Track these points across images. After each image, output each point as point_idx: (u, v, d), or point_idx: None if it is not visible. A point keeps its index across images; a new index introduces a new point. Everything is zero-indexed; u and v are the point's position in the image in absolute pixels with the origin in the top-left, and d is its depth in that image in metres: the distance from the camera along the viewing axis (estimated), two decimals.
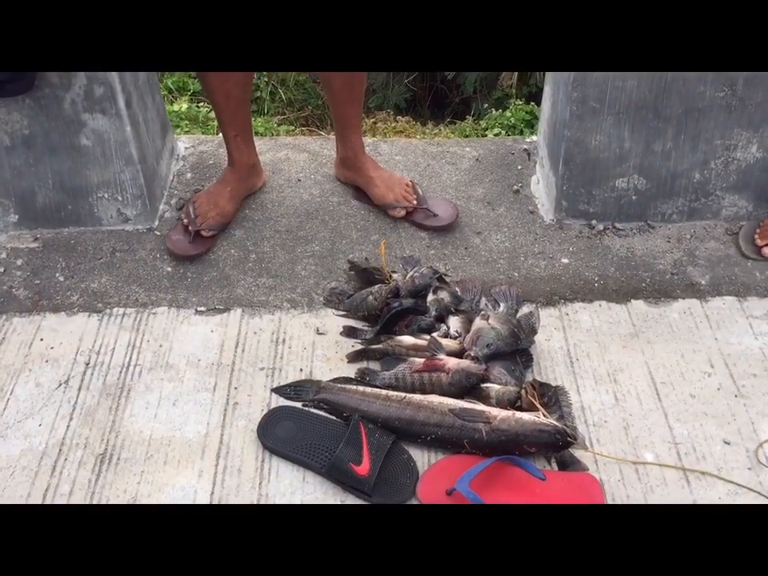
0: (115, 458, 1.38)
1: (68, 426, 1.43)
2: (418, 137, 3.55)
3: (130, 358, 1.57)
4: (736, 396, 1.47)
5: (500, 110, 4.09)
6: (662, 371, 1.52)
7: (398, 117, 4.39)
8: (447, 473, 1.33)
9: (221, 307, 1.68)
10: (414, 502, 1.31)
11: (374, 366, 1.53)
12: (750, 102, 1.69)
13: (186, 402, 1.48)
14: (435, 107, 5.00)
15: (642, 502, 1.30)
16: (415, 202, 1.87)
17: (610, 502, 1.30)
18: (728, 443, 1.39)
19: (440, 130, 4.12)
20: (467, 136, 3.52)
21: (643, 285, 1.72)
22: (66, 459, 1.38)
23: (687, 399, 1.46)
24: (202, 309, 1.68)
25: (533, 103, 4.11)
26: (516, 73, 4.51)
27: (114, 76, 1.66)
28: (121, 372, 1.54)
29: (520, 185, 2.01)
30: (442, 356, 1.47)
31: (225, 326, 1.63)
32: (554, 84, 1.86)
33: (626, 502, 1.31)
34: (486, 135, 3.58)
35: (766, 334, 1.59)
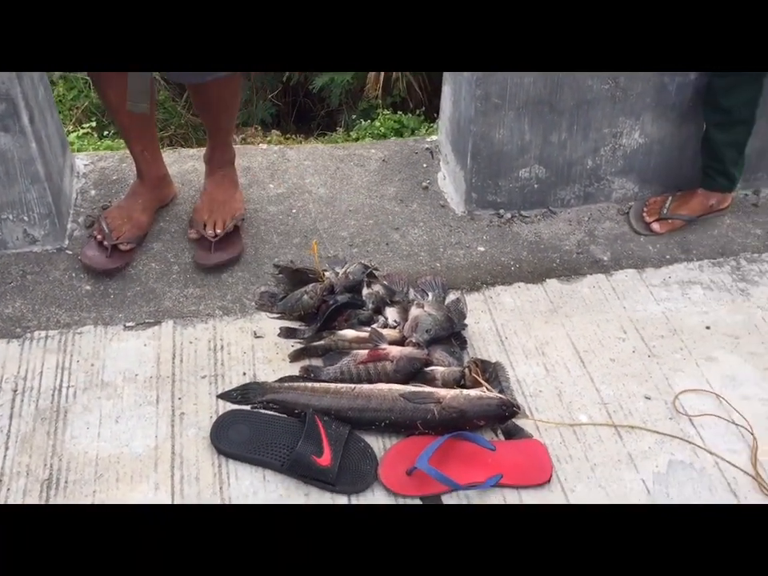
0: (62, 481, 1.32)
1: (5, 456, 1.36)
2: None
3: (61, 380, 1.50)
4: (649, 356, 1.62)
5: (369, 121, 4.24)
6: (583, 341, 1.65)
7: (266, 132, 4.43)
8: (404, 455, 1.38)
9: (150, 321, 1.65)
10: (376, 486, 1.35)
11: (317, 362, 1.56)
12: (631, 93, 1.87)
13: (129, 417, 1.44)
14: (300, 121, 5.07)
15: (583, 459, 1.41)
16: (210, 233, 1.78)
17: (555, 463, 1.40)
18: (649, 398, 1.53)
19: (311, 142, 4.20)
20: None
21: (554, 265, 1.85)
22: (8, 489, 1.31)
23: (608, 363, 1.60)
24: (131, 324, 1.63)
25: (400, 112, 4.30)
26: (381, 84, 4.69)
27: (16, 91, 1.59)
28: (53, 395, 1.47)
29: (428, 181, 2.10)
30: (384, 345, 1.52)
31: (158, 339, 1.60)
32: (454, 84, 1.97)
33: (568, 461, 1.41)
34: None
35: (666, 300, 1.76)
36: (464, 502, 1.33)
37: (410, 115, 4.32)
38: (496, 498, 1.34)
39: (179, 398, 1.48)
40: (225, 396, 1.48)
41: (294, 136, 4.41)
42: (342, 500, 1.32)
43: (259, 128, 4.66)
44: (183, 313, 1.67)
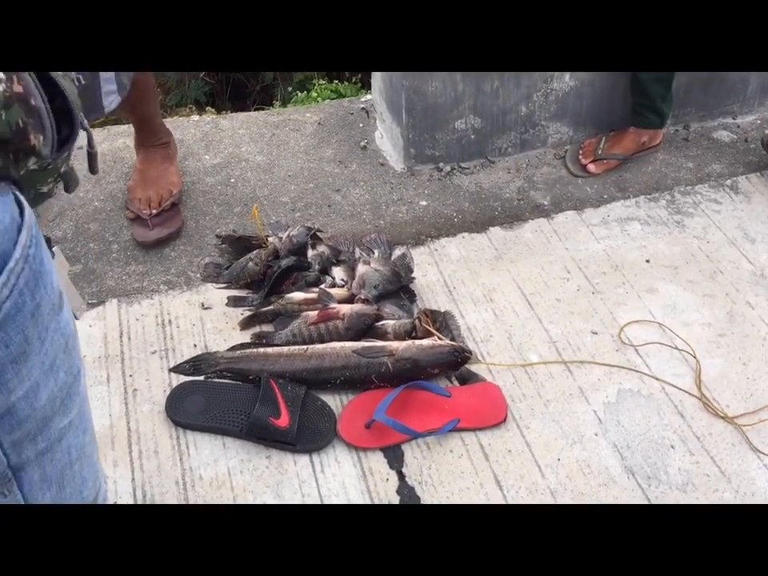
0: None
1: None
2: None
3: None
4: (593, 293, 1.66)
5: (305, 92, 4.18)
6: (529, 284, 1.68)
7: (201, 112, 4.33)
8: (362, 409, 1.39)
9: (94, 301, 1.61)
10: (337, 442, 1.36)
11: (267, 328, 1.56)
12: None
13: None
14: (236, 99, 4.97)
15: (536, 397, 1.45)
16: (146, 212, 1.76)
17: (509, 402, 1.43)
18: (595, 333, 1.57)
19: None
20: None
21: (496, 213, 1.87)
22: None
23: (554, 303, 1.63)
24: None
25: (336, 81, 4.25)
26: None
27: None
28: None
29: (366, 141, 2.09)
30: (334, 304, 1.52)
31: (103, 319, 1.57)
32: None
33: (522, 400, 1.44)
34: None
35: (606, 237, 1.80)
36: (423, 449, 1.35)
37: (347, 83, 4.27)
38: (455, 441, 1.37)
39: (130, 375, 1.46)
40: (177, 369, 1.47)
41: (228, 113, 4.31)
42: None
43: (193, 108, 4.56)
44: (127, 290, 1.64)
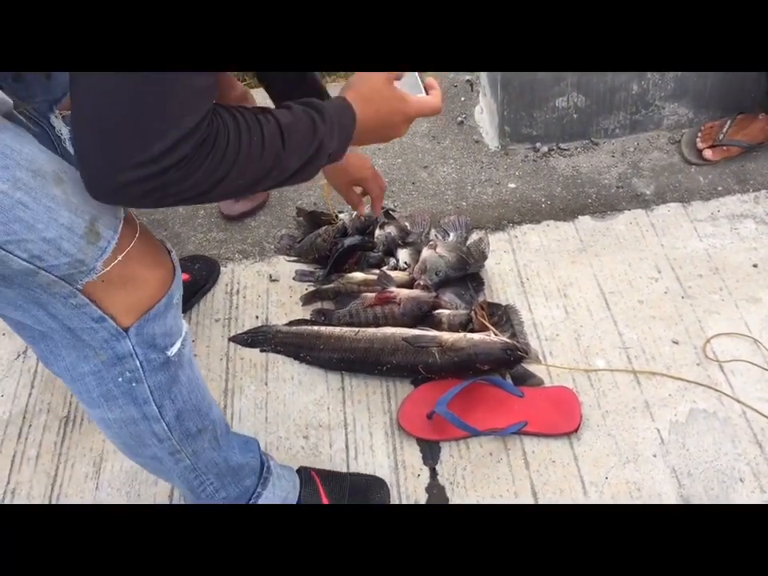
0: (78, 419, 1.40)
1: (30, 394, 1.44)
2: None
3: None
4: (683, 297, 1.50)
5: None
6: (611, 281, 1.54)
7: None
8: (428, 398, 1.34)
9: None
10: (375, 430, 1.33)
11: (329, 305, 1.55)
12: None
13: None
14: None
15: (594, 406, 1.34)
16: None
17: None
18: (676, 343, 1.42)
19: None
20: None
21: (589, 201, 1.73)
22: (30, 425, 1.39)
23: (635, 305, 1.49)
24: None
25: None
26: None
27: None
28: None
29: (464, 116, 2.00)
30: (392, 288, 1.48)
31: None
32: None
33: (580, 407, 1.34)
34: None
35: (711, 236, 1.61)
36: (462, 447, 1.30)
37: None
38: (496, 443, 1.30)
39: (193, 341, 1.51)
40: (235, 339, 1.50)
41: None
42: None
43: None
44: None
